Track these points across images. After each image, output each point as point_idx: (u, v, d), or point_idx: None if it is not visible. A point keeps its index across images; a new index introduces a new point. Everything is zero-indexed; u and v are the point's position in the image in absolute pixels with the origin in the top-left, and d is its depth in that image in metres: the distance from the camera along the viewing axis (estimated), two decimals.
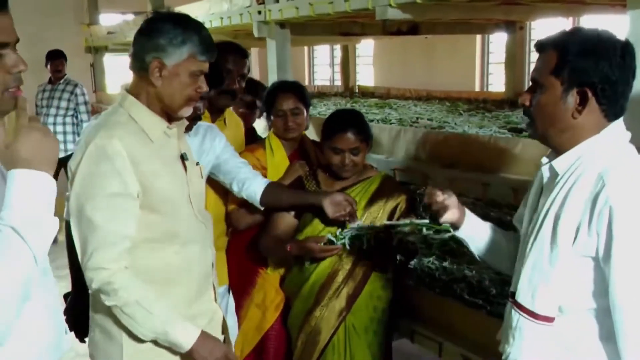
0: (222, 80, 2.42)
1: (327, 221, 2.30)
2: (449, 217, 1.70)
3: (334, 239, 2.19)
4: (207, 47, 1.80)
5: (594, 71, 1.37)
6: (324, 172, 2.43)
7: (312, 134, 3.15)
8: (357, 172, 2.38)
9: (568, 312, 1.43)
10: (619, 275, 1.32)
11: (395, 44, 7.91)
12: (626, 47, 1.41)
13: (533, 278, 1.46)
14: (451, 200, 1.72)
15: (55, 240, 4.17)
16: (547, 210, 1.44)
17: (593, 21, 5.62)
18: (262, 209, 2.40)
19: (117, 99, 1.89)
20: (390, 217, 2.37)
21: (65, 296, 2.19)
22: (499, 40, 7.04)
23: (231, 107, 2.84)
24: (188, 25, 1.81)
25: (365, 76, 9.47)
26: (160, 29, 1.78)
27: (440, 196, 1.70)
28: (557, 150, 1.48)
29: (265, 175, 2.56)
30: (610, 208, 1.31)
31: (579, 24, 6.25)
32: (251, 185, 2.35)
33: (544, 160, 1.51)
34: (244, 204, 2.51)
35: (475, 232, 1.75)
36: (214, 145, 2.40)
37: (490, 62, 7.49)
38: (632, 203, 1.31)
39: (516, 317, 1.50)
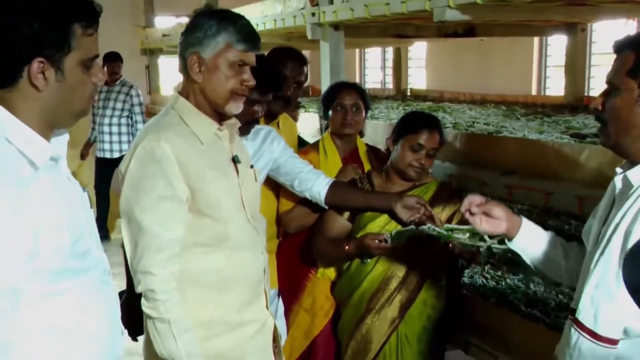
0: (280, 86, 2.39)
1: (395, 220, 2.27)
2: (487, 227, 1.64)
3: (388, 237, 2.15)
4: (245, 35, 1.77)
5: None
6: (380, 176, 2.39)
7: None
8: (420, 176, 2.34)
9: (634, 335, 1.35)
10: None
11: (449, 46, 7.78)
12: None
13: (596, 296, 1.38)
14: (496, 210, 1.64)
15: (107, 238, 4.27)
16: (617, 225, 1.36)
17: None
18: (327, 208, 2.37)
19: (170, 101, 1.89)
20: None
21: (120, 294, 2.21)
22: (557, 43, 6.83)
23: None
24: (223, 16, 1.79)
25: (418, 79, 9.35)
26: (197, 23, 1.78)
27: (476, 205, 1.63)
28: (632, 160, 1.40)
29: None
30: None
31: None
32: (315, 184, 2.32)
33: (618, 170, 1.43)
34: (296, 207, 2.49)
35: (530, 245, 1.67)
36: (272, 148, 2.38)
37: (548, 65, 7.27)
38: None
39: (575, 335, 1.41)
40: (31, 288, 1.20)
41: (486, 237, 1.74)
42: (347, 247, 2.27)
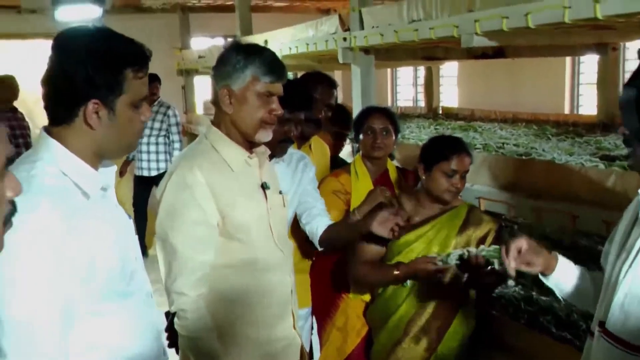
0: (309, 104, 2.48)
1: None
2: (524, 268, 1.66)
3: (440, 261, 2.15)
4: (271, 68, 1.85)
5: None
6: (410, 199, 2.42)
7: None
8: None
9: None
10: None
11: (480, 65, 7.78)
12: None
13: (626, 304, 1.40)
14: (535, 259, 1.66)
15: (145, 254, 4.37)
16: None
17: None
18: (319, 249, 2.43)
19: (202, 130, 1.99)
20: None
21: (166, 314, 2.31)
22: (590, 60, 6.79)
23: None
24: (250, 50, 1.89)
25: (449, 96, 9.36)
26: (225, 59, 1.88)
27: (519, 252, 1.65)
28: None
29: (349, 201, 2.60)
30: None
31: None
32: (318, 222, 2.38)
33: None
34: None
35: (563, 281, 1.69)
36: (303, 177, 2.46)
37: (581, 82, 7.22)
38: None
39: (605, 346, 1.43)
40: (81, 308, 1.30)
41: None
42: (396, 272, 2.27)
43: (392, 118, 2.69)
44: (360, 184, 2.64)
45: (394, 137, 2.67)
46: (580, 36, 3.43)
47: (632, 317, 1.38)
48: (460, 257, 2.07)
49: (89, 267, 1.28)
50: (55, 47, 1.35)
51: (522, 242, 1.65)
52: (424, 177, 2.35)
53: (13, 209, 0.90)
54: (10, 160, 0.88)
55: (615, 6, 2.17)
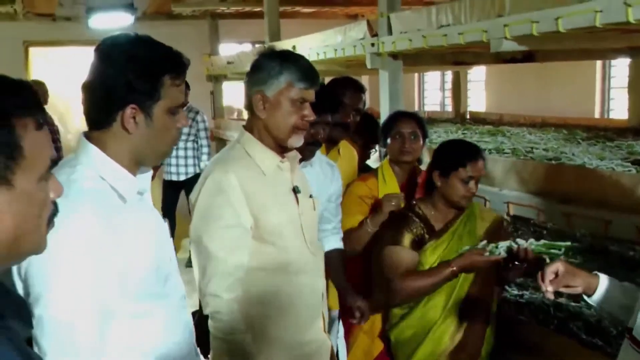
0: (335, 107, 2.50)
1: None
2: (567, 291, 1.67)
3: (489, 252, 2.18)
4: (305, 75, 1.88)
5: None
6: (427, 205, 2.42)
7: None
8: None
9: None
10: None
11: (508, 69, 7.72)
12: None
13: None
14: (574, 281, 1.65)
15: None
16: None
17: None
18: None
19: (236, 136, 2.03)
20: None
21: (193, 314, 2.34)
22: (621, 64, 6.71)
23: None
24: (285, 57, 1.93)
25: (477, 101, 9.31)
26: (260, 65, 1.91)
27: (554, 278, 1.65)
28: None
29: (372, 205, 2.62)
30: None
31: None
32: (326, 242, 2.44)
33: None
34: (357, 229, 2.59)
35: (605, 301, 1.67)
36: (331, 187, 2.48)
37: (612, 86, 7.13)
38: None
39: (631, 352, 1.43)
40: (118, 309, 1.34)
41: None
42: (453, 269, 2.25)
43: (420, 123, 2.71)
44: (388, 189, 2.66)
45: (421, 142, 2.69)
46: (611, 40, 3.40)
47: None
48: (509, 249, 2.11)
49: (126, 269, 1.32)
50: (97, 53, 1.40)
51: (558, 266, 1.64)
52: (439, 184, 2.36)
53: (55, 210, 0.94)
54: (53, 163, 0.92)
55: None
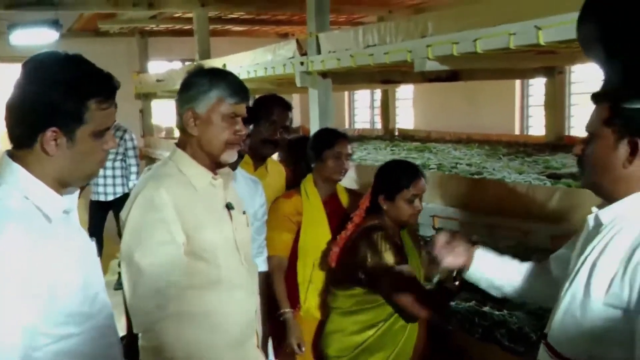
0: (255, 116, 2.52)
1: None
2: (450, 260, 1.74)
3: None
4: (235, 89, 1.90)
5: None
6: (384, 224, 2.44)
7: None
8: None
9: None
10: None
11: (435, 87, 7.99)
12: None
13: (565, 322, 1.48)
14: (460, 247, 1.75)
15: None
16: (586, 258, 1.46)
17: None
18: None
19: (166, 154, 2.02)
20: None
21: (121, 339, 2.30)
22: (539, 83, 7.06)
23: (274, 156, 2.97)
24: (214, 73, 1.94)
25: (406, 118, 9.56)
26: (190, 82, 1.92)
27: (445, 243, 1.75)
28: (608, 200, 1.49)
29: (299, 222, 2.66)
30: None
31: None
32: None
33: (594, 209, 1.52)
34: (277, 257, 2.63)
35: (482, 275, 1.77)
36: (256, 203, 2.49)
37: (530, 104, 7.50)
38: None
39: (545, 358, 1.51)
40: (44, 329, 1.30)
41: None
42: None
43: (350, 143, 2.79)
44: (312, 205, 2.70)
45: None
46: (527, 60, 3.60)
47: (570, 335, 1.45)
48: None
49: (51, 290, 1.29)
50: (23, 71, 1.36)
51: (445, 234, 1.77)
52: (385, 207, 2.41)
53: None
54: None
55: (555, 33, 2.31)
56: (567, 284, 1.50)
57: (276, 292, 2.61)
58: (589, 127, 1.52)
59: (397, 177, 2.41)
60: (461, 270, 1.83)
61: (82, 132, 1.36)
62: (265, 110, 2.73)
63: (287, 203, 2.69)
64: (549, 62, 4.05)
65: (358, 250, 2.39)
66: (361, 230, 2.44)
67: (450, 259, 1.76)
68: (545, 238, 2.50)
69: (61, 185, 1.41)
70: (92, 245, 1.50)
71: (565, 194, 2.53)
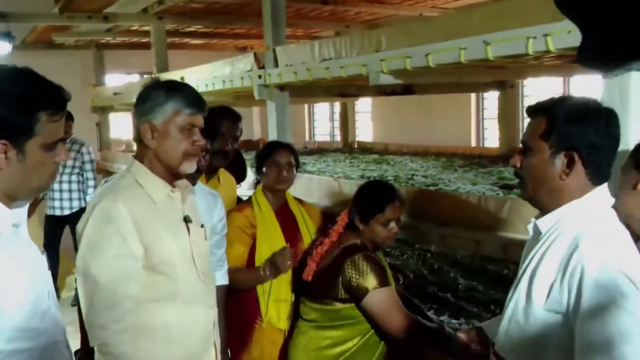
0: (215, 138, 2.54)
1: None
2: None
3: None
4: (191, 100, 1.89)
5: (580, 137, 1.45)
6: (364, 242, 2.42)
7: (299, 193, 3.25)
8: None
9: None
10: (583, 333, 1.36)
11: (393, 100, 8.10)
12: (611, 116, 1.49)
13: (509, 329, 1.53)
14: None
15: (57, 297, 4.18)
16: (526, 266, 1.52)
17: (582, 80, 5.82)
18: None
19: (121, 166, 2.01)
20: None
21: (75, 353, 2.27)
22: (493, 96, 7.24)
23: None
24: (170, 86, 1.93)
25: (365, 131, 9.66)
26: (146, 95, 1.92)
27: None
28: (544, 211, 1.54)
29: (254, 234, 2.67)
30: (582, 268, 1.37)
31: (570, 82, 6.47)
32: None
33: (532, 219, 1.57)
34: (240, 269, 2.62)
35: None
36: (214, 216, 2.49)
37: (485, 117, 7.68)
38: (602, 265, 1.36)
39: None
40: None
41: None
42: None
43: (294, 153, 2.81)
44: (264, 216, 2.71)
45: (294, 172, 2.78)
46: (478, 75, 3.71)
47: (515, 342, 1.51)
48: None
49: None
50: None
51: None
52: (361, 228, 2.43)
53: None
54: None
55: (503, 49, 2.39)
56: (510, 292, 1.55)
57: (244, 280, 2.62)
58: (525, 140, 1.57)
59: (372, 201, 2.42)
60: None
61: (33, 144, 1.35)
62: (214, 121, 2.74)
63: (239, 217, 2.69)
64: (500, 77, 4.16)
65: (341, 270, 2.38)
66: (343, 249, 2.44)
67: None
68: (498, 247, 2.57)
69: (10, 199, 1.39)
70: (42, 259, 1.49)
71: (515, 204, 2.60)
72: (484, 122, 7.67)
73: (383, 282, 2.33)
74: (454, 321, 3.36)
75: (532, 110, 1.57)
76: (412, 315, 2.33)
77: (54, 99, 1.37)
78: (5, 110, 1.30)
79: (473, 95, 7.52)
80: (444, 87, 4.75)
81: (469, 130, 7.66)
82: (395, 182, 4.01)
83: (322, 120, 11.02)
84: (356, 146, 7.94)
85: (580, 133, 1.46)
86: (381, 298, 2.30)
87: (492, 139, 7.44)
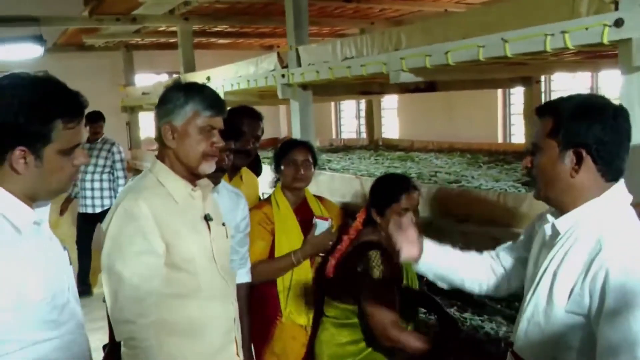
0: (237, 133, 2.60)
1: None
2: (405, 249, 1.77)
3: None
4: (211, 103, 1.97)
5: (586, 133, 1.47)
6: (378, 236, 2.47)
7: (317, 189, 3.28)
8: None
9: None
10: (606, 336, 1.37)
11: (418, 96, 8.07)
12: (619, 111, 1.51)
13: (529, 330, 1.55)
14: (411, 233, 1.79)
15: (90, 292, 4.37)
16: (546, 268, 1.53)
17: (610, 75, 5.73)
18: None
19: (148, 165, 2.08)
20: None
21: (104, 347, 2.35)
22: (520, 92, 7.17)
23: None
24: (190, 88, 2.01)
25: (391, 128, 9.65)
26: (167, 97, 1.99)
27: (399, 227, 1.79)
28: (560, 210, 1.57)
29: (273, 230, 2.71)
30: (606, 271, 1.38)
31: (598, 78, 6.38)
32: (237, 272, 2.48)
33: (549, 217, 1.58)
34: (262, 262, 2.67)
35: (431, 266, 1.83)
36: (238, 215, 2.55)
37: (512, 113, 7.61)
38: (627, 268, 1.38)
39: None
40: (12, 337, 1.36)
41: None
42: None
43: (312, 151, 2.85)
44: (282, 214, 2.77)
45: (312, 170, 2.82)
46: (499, 71, 3.70)
47: (535, 342, 1.53)
48: None
49: (19, 297, 1.35)
50: None
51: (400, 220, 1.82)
52: (378, 220, 2.46)
53: None
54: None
55: (521, 46, 2.40)
56: (529, 294, 1.57)
57: (273, 269, 2.68)
58: (534, 140, 1.59)
59: (387, 191, 2.45)
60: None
61: (50, 150, 1.42)
62: (236, 121, 2.80)
63: (258, 213, 2.75)
64: (521, 73, 4.14)
65: (353, 267, 2.43)
66: (357, 246, 2.48)
67: (406, 250, 1.78)
68: None
69: (31, 199, 1.46)
70: (64, 255, 1.56)
71: (534, 200, 2.59)
72: (511, 117, 7.60)
73: (389, 279, 2.35)
74: (477, 318, 3.37)
75: (540, 110, 1.59)
76: (400, 326, 2.34)
77: (69, 106, 1.44)
78: (23, 118, 1.37)
79: (500, 91, 7.46)
80: (467, 84, 4.74)
81: (495, 126, 7.60)
82: (418, 179, 4.02)
83: (348, 118, 11.03)
84: (381, 143, 7.93)
85: (587, 129, 1.48)
86: (379, 297, 2.34)
87: (519, 135, 7.38)
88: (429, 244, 1.84)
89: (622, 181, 1.53)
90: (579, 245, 1.48)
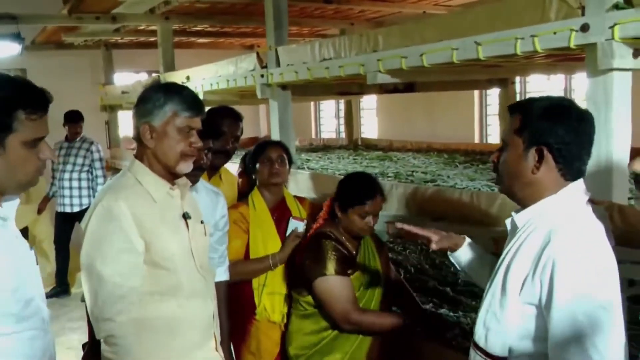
0: (216, 132, 2.64)
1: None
2: (439, 242, 1.93)
3: None
4: (189, 104, 1.98)
5: (550, 133, 1.54)
6: (339, 230, 2.54)
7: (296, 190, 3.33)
8: None
9: (516, 354, 1.56)
10: (556, 326, 1.44)
11: (397, 97, 8.12)
12: (584, 115, 1.58)
13: (487, 320, 1.61)
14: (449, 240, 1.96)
15: (68, 292, 4.32)
16: (502, 259, 1.60)
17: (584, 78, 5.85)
18: None
19: (126, 164, 2.10)
20: (385, 265, 2.64)
21: (83, 346, 2.36)
22: (496, 93, 7.28)
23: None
24: (170, 88, 2.02)
25: (370, 128, 9.72)
26: (146, 97, 2.01)
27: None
28: (521, 205, 1.63)
29: (248, 229, 2.75)
30: (553, 262, 1.45)
31: (571, 80, 6.52)
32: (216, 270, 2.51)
33: (512, 213, 1.65)
34: (240, 262, 2.71)
35: (464, 261, 1.96)
36: (217, 214, 2.58)
37: (488, 113, 7.72)
38: (573, 259, 1.45)
39: (473, 354, 1.64)
40: None
41: None
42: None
43: (285, 149, 2.89)
44: (257, 214, 2.79)
45: (287, 167, 2.86)
46: (474, 73, 3.77)
47: (491, 330, 1.58)
48: None
49: None
50: None
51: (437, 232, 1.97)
52: (339, 215, 2.52)
53: None
54: None
55: (493, 49, 2.47)
56: (488, 285, 1.64)
57: (250, 271, 2.72)
58: (502, 136, 1.66)
59: (354, 192, 2.50)
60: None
61: (13, 140, 1.44)
62: (216, 121, 2.82)
63: (234, 212, 2.78)
64: (497, 74, 4.23)
65: (306, 258, 2.51)
66: (313, 235, 2.55)
67: (438, 241, 1.94)
68: (488, 240, 2.64)
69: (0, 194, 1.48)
70: (30, 253, 1.57)
71: (506, 200, 2.67)
72: (487, 118, 7.72)
73: (340, 270, 2.42)
74: (451, 314, 3.43)
75: (511, 108, 1.66)
76: (361, 309, 2.44)
77: (32, 99, 1.47)
78: None
79: (476, 92, 7.57)
80: (445, 85, 4.82)
81: (472, 126, 7.71)
82: (395, 179, 4.09)
83: (328, 118, 11.08)
84: (360, 143, 8.00)
85: (551, 129, 1.55)
86: (333, 284, 2.42)
87: (495, 135, 7.49)
88: (465, 246, 1.97)
89: (581, 180, 1.60)
90: (532, 238, 1.54)
